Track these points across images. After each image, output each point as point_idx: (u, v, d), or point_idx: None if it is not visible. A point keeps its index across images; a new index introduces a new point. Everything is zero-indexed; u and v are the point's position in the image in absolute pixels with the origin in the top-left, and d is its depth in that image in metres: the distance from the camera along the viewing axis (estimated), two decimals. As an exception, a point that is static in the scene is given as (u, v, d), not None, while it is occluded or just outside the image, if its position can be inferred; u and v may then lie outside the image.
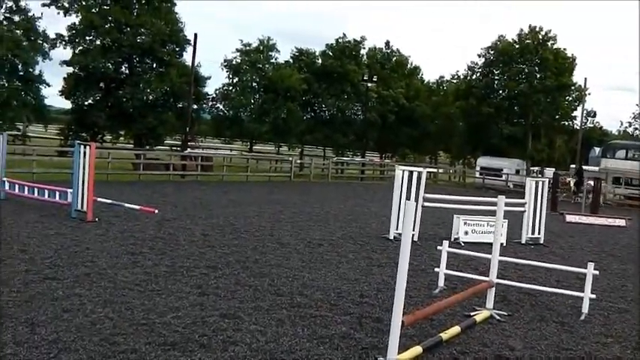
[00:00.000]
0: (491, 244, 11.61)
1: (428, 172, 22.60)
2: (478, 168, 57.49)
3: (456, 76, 70.46)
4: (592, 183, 37.61)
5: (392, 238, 18.21)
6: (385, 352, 7.76)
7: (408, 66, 70.55)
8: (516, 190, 43.78)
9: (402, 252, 7.34)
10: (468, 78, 64.75)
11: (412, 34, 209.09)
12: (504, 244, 17.59)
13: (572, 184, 42.35)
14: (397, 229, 18.22)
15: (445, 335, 8.88)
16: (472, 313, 10.40)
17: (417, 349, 8.17)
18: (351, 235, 18.95)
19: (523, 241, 19.79)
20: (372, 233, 19.55)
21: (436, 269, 12.57)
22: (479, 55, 63.18)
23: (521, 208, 20.09)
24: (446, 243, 12.38)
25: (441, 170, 64.04)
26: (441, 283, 12.24)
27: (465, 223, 19.06)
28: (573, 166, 58.21)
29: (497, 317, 10.41)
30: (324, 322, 9.46)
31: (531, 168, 60.54)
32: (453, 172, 67.09)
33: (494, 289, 10.86)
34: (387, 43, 69.64)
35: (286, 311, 9.90)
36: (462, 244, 17.86)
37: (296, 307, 10.15)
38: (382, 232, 19.25)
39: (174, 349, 7.86)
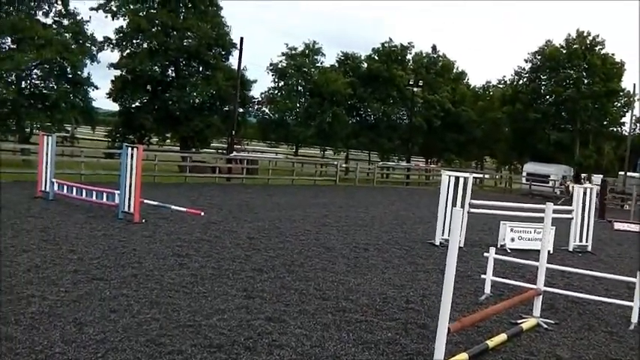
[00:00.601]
0: (538, 251, 11.51)
1: (474, 177, 22.40)
2: (524, 174, 56.95)
3: (502, 81, 69.94)
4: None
5: (438, 243, 18.11)
6: (431, 358, 7.73)
7: (454, 70, 70.21)
8: (563, 196, 43.31)
9: (449, 258, 7.29)
10: (515, 83, 64.28)
11: (459, 38, 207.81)
12: (551, 252, 17.40)
13: (571, 188, 41.00)
14: (443, 234, 18.14)
15: (491, 343, 8.81)
16: (519, 321, 10.30)
17: (463, 356, 8.11)
18: (396, 240, 18.88)
19: (570, 249, 19.56)
20: (417, 238, 19.47)
21: (482, 276, 12.47)
22: (526, 61, 62.84)
23: (569, 215, 19.87)
24: (492, 249, 12.28)
25: (486, 176, 63.55)
26: (488, 289, 12.15)
27: (512, 230, 18.88)
28: (622, 173, 57.34)
29: (545, 325, 10.30)
30: (370, 328, 9.43)
31: (579, 174, 59.90)
32: (499, 177, 66.55)
33: (541, 296, 10.74)
34: (434, 48, 69.42)
35: (332, 316, 9.89)
36: (509, 251, 17.71)
37: (341, 312, 10.13)
38: (428, 238, 19.17)
39: (220, 352, 7.89)
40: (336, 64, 63.21)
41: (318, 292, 11.34)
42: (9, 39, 41.11)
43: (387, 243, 18.02)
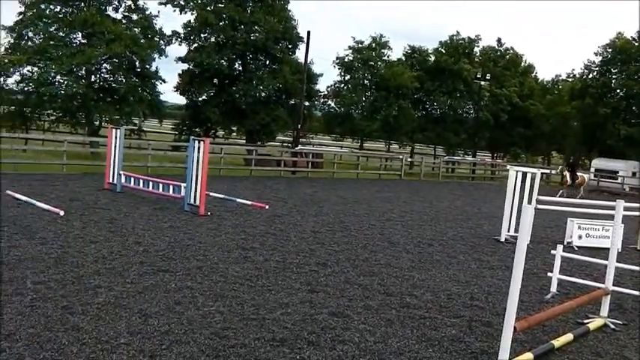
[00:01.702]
0: (606, 249, 11.31)
1: (542, 173, 22.09)
2: (593, 170, 56.00)
3: (571, 75, 68.74)
4: (586, 176, 39.44)
5: (503, 240, 17.93)
6: (495, 357, 7.67)
7: (522, 64, 69.31)
8: (632, 193, 42.47)
9: (516, 256, 7.20)
10: (584, 77, 63.07)
11: (527, 32, 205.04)
12: (620, 250, 17.07)
13: (567, 176, 38.01)
14: (509, 231, 17.96)
15: (557, 342, 8.69)
16: (585, 321, 10.14)
17: (528, 356, 8.02)
18: (461, 235, 18.74)
19: (639, 247, 19.18)
20: (482, 234, 19.29)
21: (549, 274, 12.32)
22: (596, 54, 61.49)
23: (639, 212, 19.45)
24: (560, 247, 12.11)
25: (554, 171, 62.65)
26: (554, 288, 11.99)
27: (579, 227, 18.57)
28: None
29: (612, 326, 10.11)
30: (434, 324, 9.38)
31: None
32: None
33: (609, 296, 10.55)
34: (499, 40, 68.60)
35: (395, 312, 9.86)
36: (576, 249, 17.44)
37: (405, 308, 10.10)
38: (493, 234, 18.98)
39: (283, 346, 7.93)
40: (403, 58, 62.91)
41: (381, 287, 11.32)
42: (80, 34, 41.93)
43: (451, 239, 17.89)
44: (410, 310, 9.99)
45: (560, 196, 33.79)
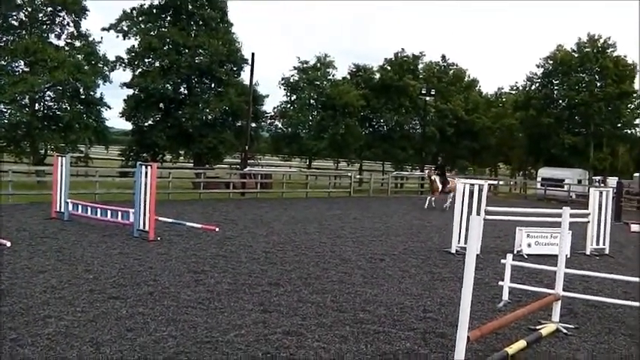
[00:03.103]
0: (555, 256, 11.43)
1: (489, 184, 22.23)
2: (539, 179, 56.73)
3: (514, 87, 69.88)
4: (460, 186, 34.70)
5: (454, 251, 18.03)
6: (450, 367, 7.67)
7: (466, 79, 70.25)
8: (579, 200, 43.04)
9: (466, 266, 7.24)
10: (527, 89, 64.13)
11: (469, 47, 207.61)
12: (569, 256, 17.27)
13: (438, 181, 34.74)
14: (459, 242, 18.07)
15: (511, 350, 8.71)
16: (538, 327, 10.22)
17: (483, 365, 8.05)
18: (412, 249, 18.81)
19: (588, 252, 19.42)
20: (433, 247, 19.39)
21: (500, 283, 12.41)
22: (537, 66, 62.65)
23: (585, 219, 19.73)
24: (510, 256, 12.21)
25: (501, 182, 63.35)
26: (506, 296, 12.07)
27: (528, 235, 18.76)
28: (637, 174, 56.95)
29: (564, 331, 10.21)
30: (388, 338, 9.37)
31: (593, 177, 59.55)
32: (514, 183, 66.35)
33: (560, 301, 10.66)
34: (443, 57, 69.60)
35: (349, 327, 9.84)
36: (526, 257, 17.61)
37: (359, 324, 10.08)
38: (444, 246, 19.09)
39: (238, 367, 7.86)
40: (348, 76, 63.41)
41: (335, 304, 11.29)
42: (22, 62, 41.50)
43: (403, 253, 17.95)
44: (364, 326, 9.97)
45: (428, 205, 33.81)
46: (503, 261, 12.33)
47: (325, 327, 9.80)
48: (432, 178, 35.37)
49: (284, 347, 8.72)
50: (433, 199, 34.54)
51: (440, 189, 34.54)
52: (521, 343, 9.00)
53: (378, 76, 63.58)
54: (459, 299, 7.36)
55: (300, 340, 9.05)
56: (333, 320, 10.20)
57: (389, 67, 63.38)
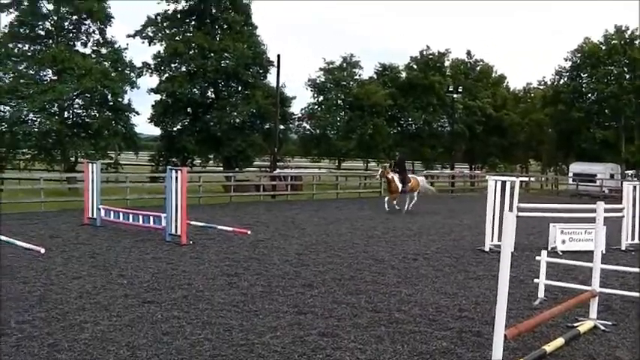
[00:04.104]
0: (590, 252, 11.31)
1: (521, 181, 22.00)
2: (571, 174, 56.25)
3: (542, 82, 69.37)
4: (420, 179, 32.35)
5: (487, 249, 17.93)
6: (488, 366, 7.61)
7: (493, 75, 69.88)
8: (612, 195, 42.60)
9: (502, 262, 7.18)
10: (556, 83, 63.56)
11: (495, 43, 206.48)
12: (604, 252, 17.09)
13: (397, 180, 29.59)
14: (492, 240, 17.97)
15: (549, 348, 8.65)
16: (575, 324, 10.11)
17: (521, 363, 7.98)
18: (445, 248, 18.72)
19: (623, 248, 19.22)
20: (466, 246, 19.28)
21: (535, 280, 12.29)
22: (565, 59, 62.09)
23: (620, 214, 19.52)
24: (544, 253, 12.11)
25: (532, 179, 62.87)
26: (541, 294, 11.96)
27: (562, 232, 18.59)
28: None
29: (602, 327, 10.10)
30: (424, 338, 9.32)
31: (626, 172, 58.89)
32: (545, 179, 65.87)
33: (597, 298, 10.54)
34: (469, 53, 69.28)
35: (385, 328, 9.80)
36: (560, 253, 17.46)
37: (394, 324, 10.03)
38: (477, 245, 18.97)
39: (275, 370, 7.84)
40: (375, 76, 63.28)
41: (369, 304, 11.25)
42: (50, 70, 41.90)
43: (436, 252, 17.86)
44: (399, 326, 9.93)
45: (389, 207, 29.46)
46: (538, 258, 12.23)
47: (361, 328, 9.76)
48: (390, 176, 30.11)
49: (320, 348, 8.70)
50: (394, 201, 29.84)
51: (400, 189, 29.69)
52: (559, 341, 8.93)
53: (404, 74, 63.40)
54: (494, 297, 7.31)
55: (336, 341, 9.03)
56: (369, 321, 10.16)
57: (415, 66, 63.20)
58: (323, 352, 8.53)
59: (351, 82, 60.30)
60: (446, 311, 10.95)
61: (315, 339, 9.13)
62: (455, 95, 57.72)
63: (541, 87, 69.70)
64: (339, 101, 60.68)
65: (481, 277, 14.14)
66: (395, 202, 29.90)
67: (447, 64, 65.58)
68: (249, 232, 19.95)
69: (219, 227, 20.38)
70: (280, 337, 9.16)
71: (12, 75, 41.30)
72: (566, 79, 62.41)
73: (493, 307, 7.35)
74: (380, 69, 63.92)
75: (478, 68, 68.83)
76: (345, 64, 60.54)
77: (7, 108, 40.73)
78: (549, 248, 17.74)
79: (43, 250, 16.01)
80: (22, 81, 40.67)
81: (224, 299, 11.38)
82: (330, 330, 9.59)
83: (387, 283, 13.26)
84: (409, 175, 31.44)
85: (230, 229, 20.17)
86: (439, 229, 23.76)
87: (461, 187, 54.42)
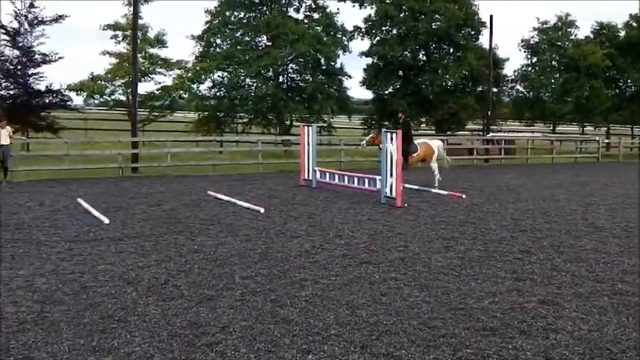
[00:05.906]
0: None
1: None
2: None
3: None
4: (434, 144, 24.06)
5: None
6: None
7: None
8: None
9: None
10: None
11: None
12: None
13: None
14: None
15: None
16: None
17: None
18: (674, 217, 17.69)
19: None
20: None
21: None
22: None
23: None
24: None
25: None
26: None
27: None
28: None
29: None
30: (651, 311, 8.89)
31: None
32: None
33: None
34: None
35: (608, 299, 9.42)
36: None
37: (618, 295, 9.62)
38: None
39: (494, 335, 7.75)
40: (591, 36, 60.66)
41: (590, 274, 10.87)
42: (264, 37, 43.15)
43: (661, 221, 16.94)
44: (623, 297, 9.50)
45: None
46: None
47: (582, 297, 9.45)
48: (375, 142, 23.02)
49: (540, 316, 8.51)
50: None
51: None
52: None
53: (622, 33, 60.33)
54: None
55: (557, 310, 8.79)
56: (590, 291, 9.82)
57: (634, 24, 59.95)
58: (544, 321, 8.33)
59: (567, 43, 58.08)
60: (675, 284, 10.38)
61: (535, 306, 8.94)
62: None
63: None
64: (554, 62, 58.63)
65: None
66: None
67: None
68: (464, 196, 19.82)
69: (434, 190, 20.35)
70: (499, 303, 9.04)
71: (229, 42, 43.04)
72: None
73: None
74: (597, 28, 61.11)
75: None
76: (559, 24, 58.38)
77: (225, 74, 42.48)
78: None
79: (262, 210, 16.64)
80: (238, 47, 42.31)
81: (441, 262, 11.38)
82: (551, 298, 9.36)
83: (608, 252, 12.72)
84: (417, 141, 24.15)
85: (445, 192, 20.11)
86: (664, 196, 22.56)
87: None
